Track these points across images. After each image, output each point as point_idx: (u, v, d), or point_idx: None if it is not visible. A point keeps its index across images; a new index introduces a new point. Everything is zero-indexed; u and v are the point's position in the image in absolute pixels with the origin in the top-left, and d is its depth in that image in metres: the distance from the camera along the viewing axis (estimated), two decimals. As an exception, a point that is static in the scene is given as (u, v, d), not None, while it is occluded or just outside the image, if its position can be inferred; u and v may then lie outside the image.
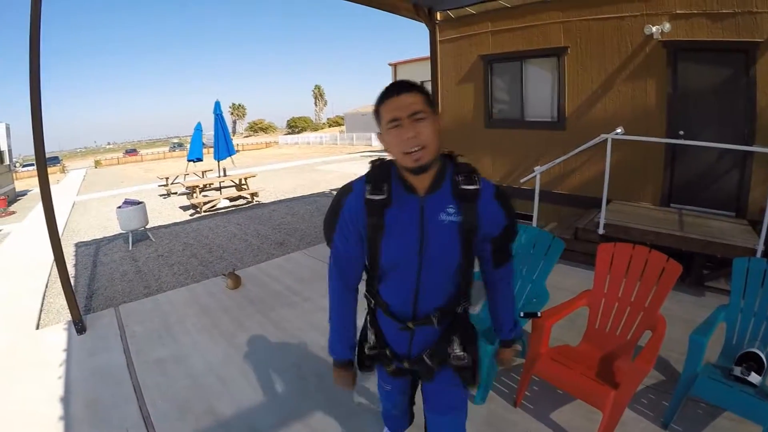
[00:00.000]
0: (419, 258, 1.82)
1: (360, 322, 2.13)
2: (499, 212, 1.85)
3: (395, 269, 1.88)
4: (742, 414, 2.79)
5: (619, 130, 6.19)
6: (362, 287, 2.05)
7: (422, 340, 1.99)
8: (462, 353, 1.99)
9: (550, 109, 8.37)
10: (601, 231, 6.05)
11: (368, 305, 2.10)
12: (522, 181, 7.33)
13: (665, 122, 6.83)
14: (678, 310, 4.50)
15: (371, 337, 2.10)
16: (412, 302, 1.92)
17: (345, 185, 1.93)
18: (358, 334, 2.17)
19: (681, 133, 6.63)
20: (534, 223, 6.70)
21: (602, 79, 7.47)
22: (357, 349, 2.16)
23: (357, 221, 1.84)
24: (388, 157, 1.86)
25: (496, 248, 1.95)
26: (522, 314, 3.33)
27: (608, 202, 6.22)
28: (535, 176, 6.77)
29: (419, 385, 2.28)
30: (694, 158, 6.72)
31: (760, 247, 4.88)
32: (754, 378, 2.85)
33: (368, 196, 1.79)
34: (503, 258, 2.00)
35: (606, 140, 6.02)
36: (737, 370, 2.93)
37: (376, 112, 1.76)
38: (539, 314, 3.28)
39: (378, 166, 1.86)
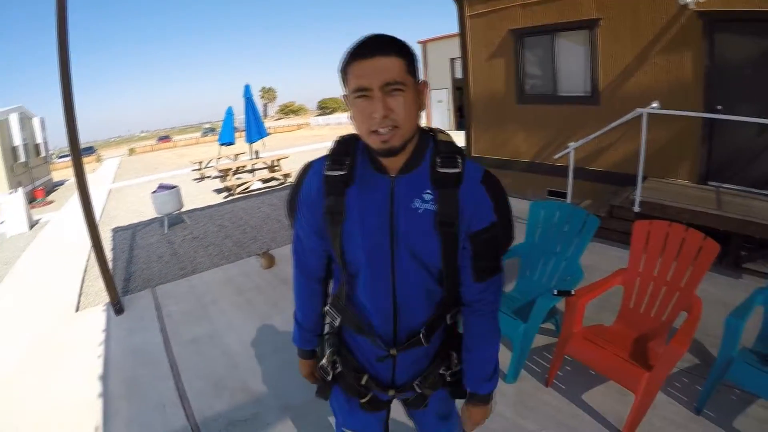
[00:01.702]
0: (391, 255, 1.42)
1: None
2: (484, 201, 1.40)
3: (364, 270, 1.46)
4: None
5: (654, 105, 6.02)
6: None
7: (410, 364, 1.60)
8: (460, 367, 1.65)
9: (584, 84, 8.13)
10: (636, 209, 5.91)
11: (330, 323, 1.69)
12: (556, 157, 7.19)
13: (702, 96, 6.57)
14: (714, 292, 4.38)
15: (333, 358, 1.67)
16: (391, 317, 1.50)
17: (307, 162, 1.56)
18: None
19: (719, 107, 6.41)
20: (568, 200, 6.60)
21: (636, 51, 7.22)
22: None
23: (314, 204, 1.47)
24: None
25: (478, 252, 1.44)
26: (556, 292, 3.29)
27: (644, 179, 6.07)
28: (569, 152, 6.66)
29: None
30: (733, 134, 6.46)
31: None
32: None
33: (326, 173, 1.43)
34: (486, 268, 1.47)
35: (641, 115, 5.85)
36: None
37: (343, 71, 1.31)
38: (573, 292, 3.24)
39: (342, 140, 1.48)
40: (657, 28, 6.86)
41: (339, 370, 1.66)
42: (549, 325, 4.10)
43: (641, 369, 2.78)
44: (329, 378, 1.66)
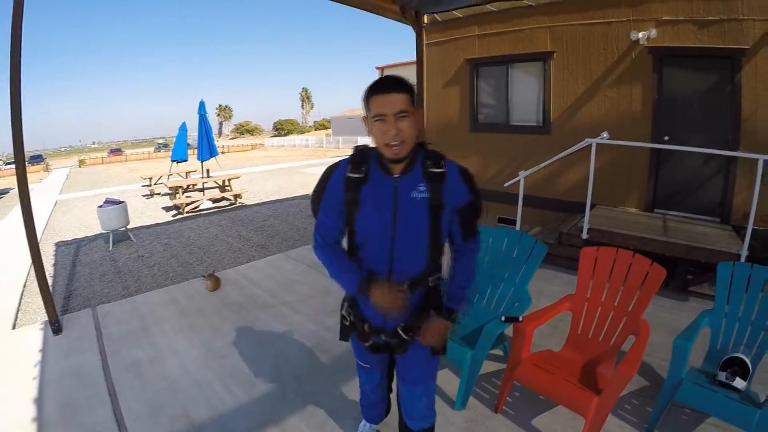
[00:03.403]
0: (392, 231, 2.05)
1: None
2: (462, 187, 2.07)
3: (370, 241, 2.12)
4: (727, 419, 2.77)
5: (604, 135, 6.20)
6: None
7: (397, 314, 2.13)
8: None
9: (536, 114, 8.37)
10: (584, 236, 6.04)
11: None
12: (506, 185, 7.29)
13: (650, 128, 6.85)
14: (661, 315, 4.48)
15: (349, 310, 2.32)
16: (387, 273, 2.12)
17: (334, 163, 2.15)
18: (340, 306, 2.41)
19: (666, 138, 6.64)
20: (517, 227, 6.68)
21: (588, 84, 7.48)
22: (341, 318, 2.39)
23: (337, 195, 2.08)
24: (371, 144, 2.10)
25: (464, 221, 2.13)
26: (503, 318, 3.30)
27: (592, 207, 6.23)
28: (519, 180, 6.76)
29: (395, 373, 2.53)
30: (679, 164, 6.74)
31: (744, 253, 4.91)
32: (738, 383, 2.83)
33: (348, 174, 2.04)
34: (470, 231, 2.18)
35: (590, 145, 6.03)
36: (722, 375, 2.91)
37: (366, 100, 1.94)
38: (521, 318, 3.25)
39: (360, 150, 2.11)
40: (609, 61, 7.13)
41: (352, 320, 2.31)
42: (498, 351, 4.11)
43: (590, 393, 2.82)
44: (347, 323, 2.33)
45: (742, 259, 4.79)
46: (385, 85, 1.89)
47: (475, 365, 3.42)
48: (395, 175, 2.04)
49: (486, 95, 9.23)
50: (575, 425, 3.01)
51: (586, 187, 6.07)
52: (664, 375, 3.11)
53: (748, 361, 2.94)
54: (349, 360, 4.23)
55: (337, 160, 2.17)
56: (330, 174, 2.13)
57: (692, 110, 6.59)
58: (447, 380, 3.72)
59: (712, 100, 6.37)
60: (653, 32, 6.52)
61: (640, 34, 6.61)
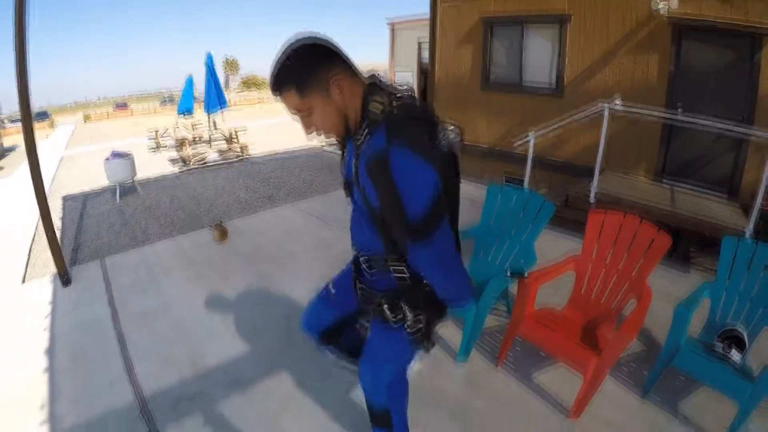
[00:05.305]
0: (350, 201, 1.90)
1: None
2: (368, 185, 1.61)
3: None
4: (720, 389, 2.82)
5: (617, 101, 6.12)
6: None
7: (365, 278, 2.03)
8: (391, 314, 1.94)
9: (549, 76, 8.22)
10: (592, 199, 6.03)
11: None
12: (516, 144, 7.22)
13: (664, 98, 6.71)
14: (663, 284, 4.49)
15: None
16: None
17: None
18: None
19: (680, 109, 6.51)
20: (525, 187, 6.65)
21: (603, 50, 7.32)
22: None
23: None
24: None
25: (389, 229, 1.71)
26: (509, 273, 3.31)
27: (601, 171, 6.19)
28: (529, 141, 6.73)
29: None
30: (691, 137, 6.62)
31: (749, 231, 4.90)
32: (734, 355, 2.86)
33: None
34: (399, 244, 1.71)
35: (603, 110, 5.96)
36: (719, 346, 2.94)
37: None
38: (526, 274, 3.26)
39: None
40: (626, 29, 6.96)
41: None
42: (501, 307, 4.16)
43: (590, 352, 2.85)
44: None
45: (747, 237, 4.77)
46: (271, 89, 1.64)
47: (479, 319, 3.46)
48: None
49: (499, 55, 9.05)
50: (573, 383, 3.05)
51: (596, 152, 6.03)
52: (663, 342, 3.14)
53: (744, 335, 2.97)
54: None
55: None
56: None
57: (708, 85, 6.45)
58: (450, 333, 3.78)
59: (729, 77, 6.21)
60: (674, 3, 6.34)
61: (661, 4, 6.40)
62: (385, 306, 1.93)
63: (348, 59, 1.66)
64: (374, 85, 1.66)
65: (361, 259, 1.97)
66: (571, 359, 2.97)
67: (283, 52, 1.58)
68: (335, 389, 3.28)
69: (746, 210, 5.52)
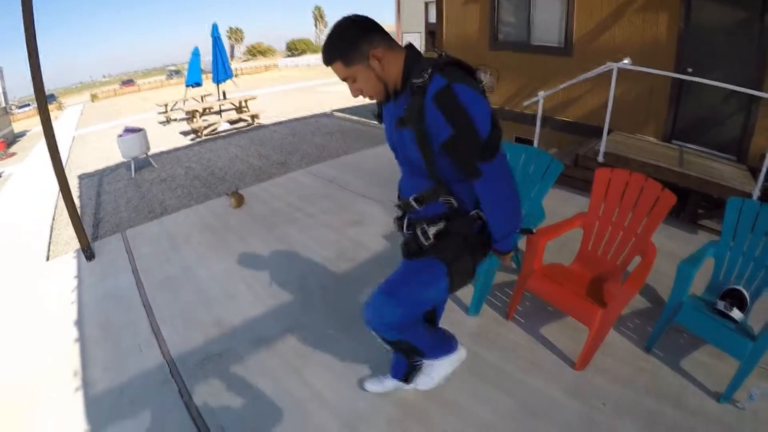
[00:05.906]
0: (395, 150, 2.11)
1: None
2: (437, 116, 1.76)
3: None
4: (722, 347, 2.87)
5: (626, 60, 6.04)
6: None
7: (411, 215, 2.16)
8: (430, 232, 2.07)
9: (558, 35, 8.04)
10: (600, 159, 5.99)
11: None
12: (525, 104, 7.19)
13: (674, 58, 6.57)
14: (669, 244, 4.49)
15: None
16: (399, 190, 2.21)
17: None
18: None
19: (689, 70, 6.39)
20: (534, 145, 6.65)
21: (612, 7, 7.13)
22: None
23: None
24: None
25: (452, 159, 1.87)
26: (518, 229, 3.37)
27: (610, 132, 6.14)
28: (539, 101, 6.69)
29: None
30: (700, 98, 6.53)
31: (756, 193, 4.89)
32: (736, 314, 2.89)
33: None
34: (467, 171, 1.87)
35: (612, 69, 5.87)
36: (721, 305, 2.96)
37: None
38: (534, 231, 3.32)
39: None
40: (636, -14, 6.79)
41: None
42: (510, 263, 4.22)
43: (596, 306, 2.92)
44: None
45: (754, 199, 4.77)
46: (324, 61, 1.89)
47: (489, 274, 3.55)
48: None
49: (507, 13, 8.86)
50: (580, 336, 3.15)
51: (604, 112, 5.96)
52: (666, 299, 3.20)
53: (746, 294, 3.00)
54: (372, 268, 4.40)
55: None
56: None
57: (718, 45, 6.28)
58: (462, 289, 3.85)
59: (740, 37, 6.06)
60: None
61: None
62: (426, 225, 2.07)
63: (386, 33, 1.89)
64: (413, 48, 1.92)
65: (411, 198, 2.08)
66: (578, 312, 3.05)
67: (332, 30, 1.84)
68: (355, 342, 3.39)
69: (754, 173, 5.47)
